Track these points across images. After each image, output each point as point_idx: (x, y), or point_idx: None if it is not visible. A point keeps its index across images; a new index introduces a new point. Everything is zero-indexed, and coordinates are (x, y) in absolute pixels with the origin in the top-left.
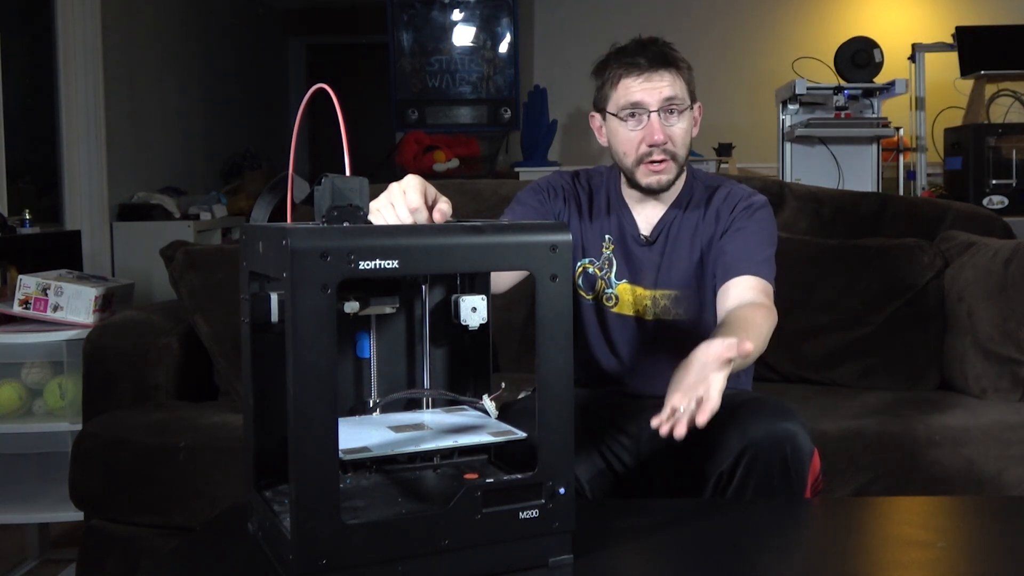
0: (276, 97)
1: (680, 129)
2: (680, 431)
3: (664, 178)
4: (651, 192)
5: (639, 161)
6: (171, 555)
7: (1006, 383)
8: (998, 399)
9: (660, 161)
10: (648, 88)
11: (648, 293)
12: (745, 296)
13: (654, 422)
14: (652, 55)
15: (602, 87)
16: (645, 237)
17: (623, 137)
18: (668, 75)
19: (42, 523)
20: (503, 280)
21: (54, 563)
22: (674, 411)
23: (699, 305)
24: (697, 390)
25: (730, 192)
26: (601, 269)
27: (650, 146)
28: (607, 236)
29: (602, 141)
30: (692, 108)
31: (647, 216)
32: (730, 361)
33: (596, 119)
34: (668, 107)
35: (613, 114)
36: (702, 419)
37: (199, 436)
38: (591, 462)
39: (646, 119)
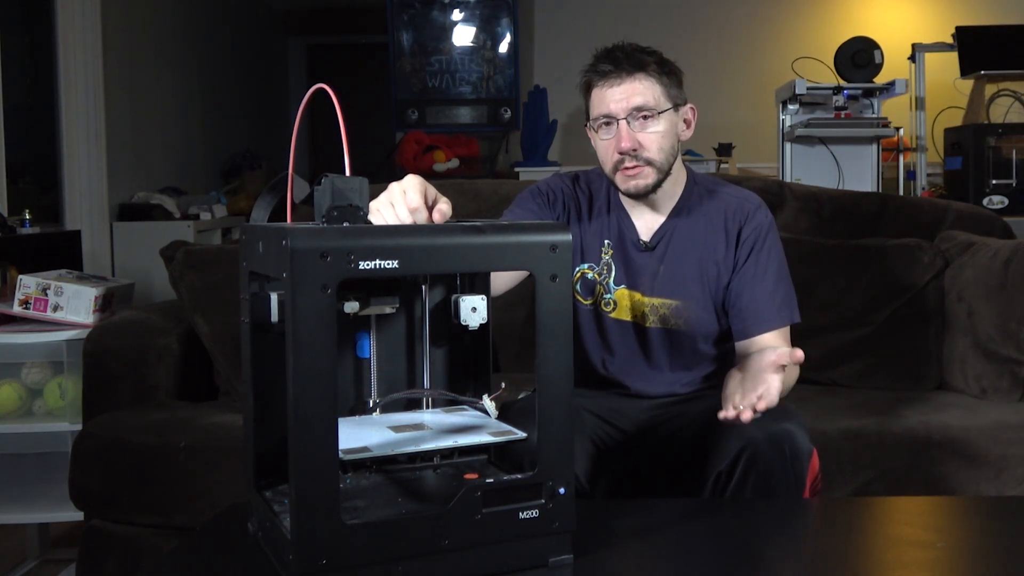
0: (276, 97)
1: (654, 134)
2: (747, 416)
3: (640, 183)
4: (635, 197)
5: (615, 169)
6: (171, 555)
7: (1006, 383)
8: (998, 399)
9: (633, 167)
10: (615, 97)
11: (647, 300)
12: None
13: (721, 415)
14: (616, 59)
15: (584, 100)
16: (645, 243)
17: (600, 147)
18: (635, 81)
19: (42, 523)
20: (501, 282)
21: (54, 563)
22: (735, 408)
23: (700, 318)
24: (757, 389)
25: (737, 205)
26: (600, 274)
27: (620, 153)
28: (606, 241)
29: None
30: (673, 111)
31: (647, 221)
32: (783, 368)
33: (589, 131)
34: (637, 114)
35: (591, 126)
36: (762, 406)
37: (199, 436)
38: (591, 461)
39: (616, 127)
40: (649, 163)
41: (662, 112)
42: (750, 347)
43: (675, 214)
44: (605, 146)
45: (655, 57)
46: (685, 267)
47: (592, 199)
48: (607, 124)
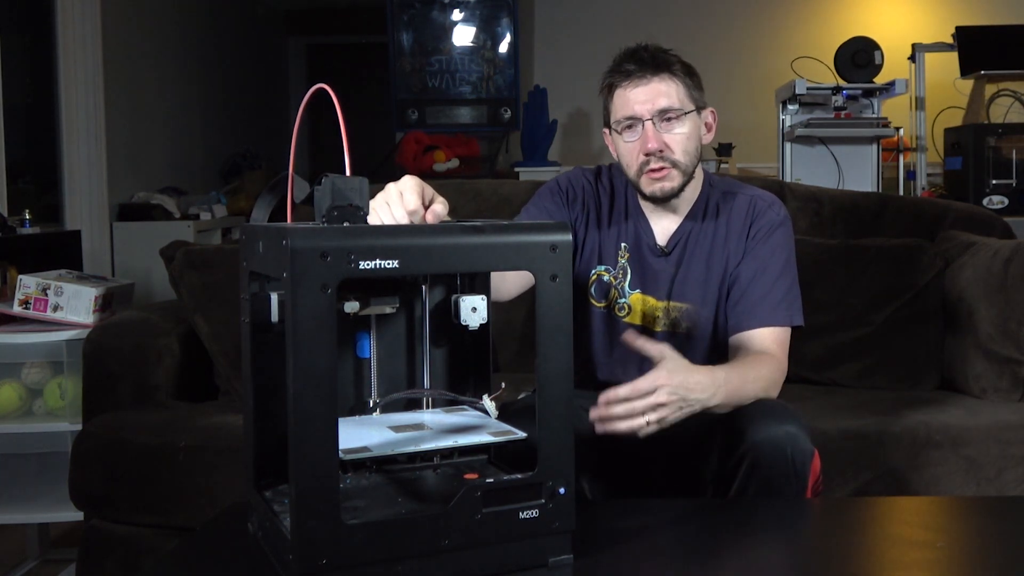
0: (276, 97)
1: (679, 136)
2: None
3: (667, 185)
4: (658, 201)
5: (640, 171)
6: (171, 555)
7: (1006, 383)
8: (998, 399)
9: (659, 169)
10: (640, 99)
11: (660, 304)
12: (754, 348)
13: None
14: (641, 59)
15: (605, 102)
16: (661, 248)
17: (623, 149)
18: (660, 82)
19: (42, 523)
20: (507, 288)
21: (54, 563)
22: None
23: (709, 321)
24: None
25: (749, 203)
26: (616, 278)
27: (646, 155)
28: (623, 244)
29: (615, 156)
30: (696, 113)
31: (664, 226)
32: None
33: (607, 135)
34: (662, 115)
35: (615, 128)
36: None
37: (199, 436)
38: (591, 462)
39: (641, 128)
40: (674, 165)
41: (687, 113)
42: (741, 343)
43: (691, 217)
44: (629, 148)
45: (677, 58)
46: (699, 272)
47: (613, 198)
48: (631, 126)
